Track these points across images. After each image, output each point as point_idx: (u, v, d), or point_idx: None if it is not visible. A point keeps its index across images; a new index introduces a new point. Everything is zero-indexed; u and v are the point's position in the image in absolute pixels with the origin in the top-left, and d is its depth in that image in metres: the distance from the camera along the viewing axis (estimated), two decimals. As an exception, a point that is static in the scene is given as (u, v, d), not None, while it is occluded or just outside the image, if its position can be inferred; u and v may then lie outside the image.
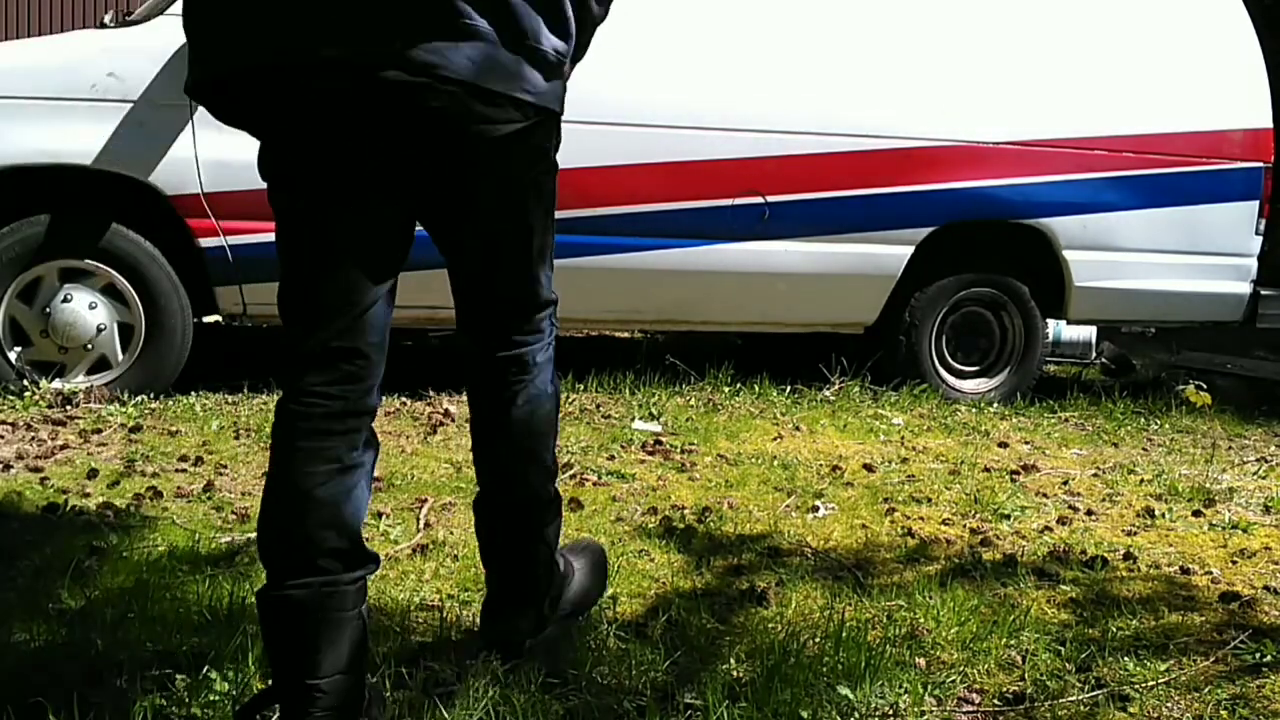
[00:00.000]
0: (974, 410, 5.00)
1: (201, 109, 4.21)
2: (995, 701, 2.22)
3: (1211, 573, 2.93)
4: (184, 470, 3.47)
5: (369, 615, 1.77)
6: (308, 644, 1.63)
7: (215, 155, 4.25)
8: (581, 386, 4.80)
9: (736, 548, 2.96)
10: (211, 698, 1.99)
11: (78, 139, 4.14)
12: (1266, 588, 2.83)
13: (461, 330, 1.95)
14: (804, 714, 2.06)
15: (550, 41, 1.66)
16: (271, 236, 1.72)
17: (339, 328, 1.66)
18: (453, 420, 4.24)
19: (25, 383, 4.22)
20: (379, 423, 4.15)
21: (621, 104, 4.62)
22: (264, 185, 1.71)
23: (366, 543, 1.76)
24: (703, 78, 4.61)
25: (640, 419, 4.38)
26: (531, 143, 1.74)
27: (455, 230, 1.83)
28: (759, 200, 4.82)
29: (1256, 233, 5.50)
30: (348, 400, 1.67)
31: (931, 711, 2.15)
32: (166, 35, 4.21)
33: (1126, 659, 2.39)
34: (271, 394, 4.49)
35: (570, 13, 1.70)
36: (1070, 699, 2.22)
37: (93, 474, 3.36)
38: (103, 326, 4.30)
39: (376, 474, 3.36)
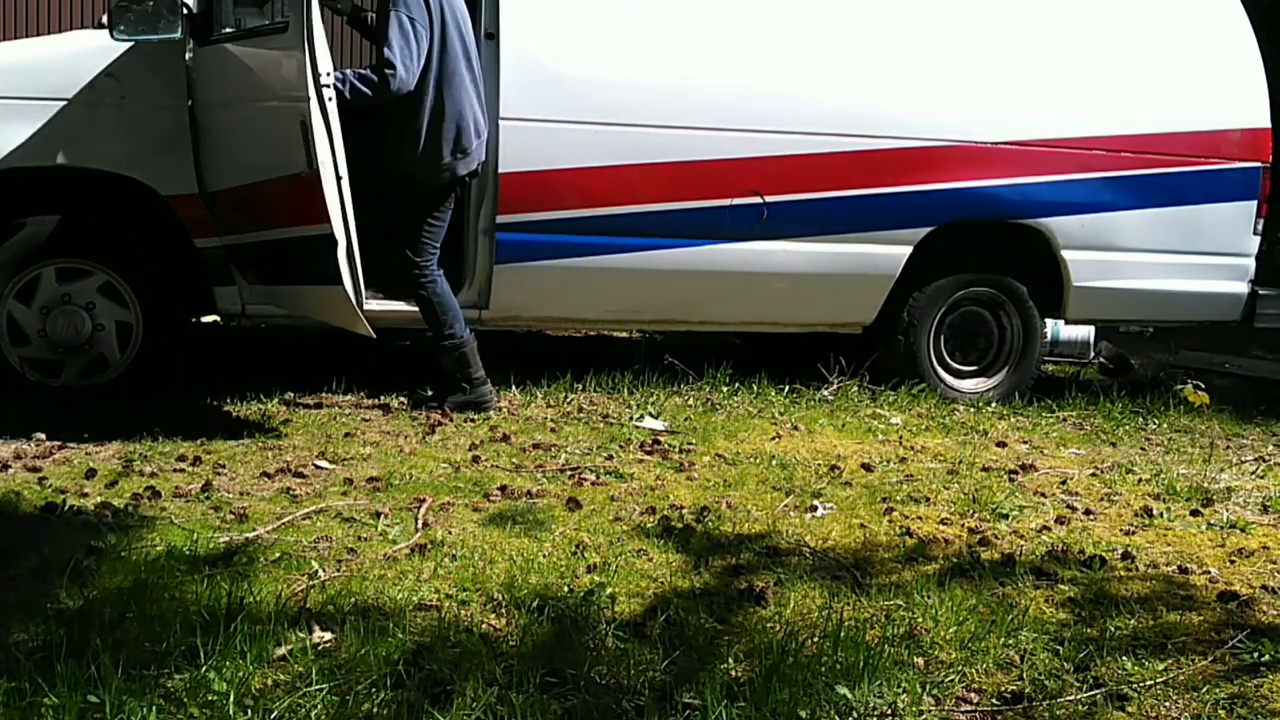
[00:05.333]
0: (972, 410, 5.00)
1: (198, 106, 4.24)
2: (994, 701, 2.22)
3: (1209, 572, 2.93)
4: (182, 470, 3.47)
5: None
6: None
7: (212, 155, 4.25)
8: (580, 386, 4.79)
9: (735, 547, 2.96)
10: (210, 698, 1.99)
11: (76, 139, 4.13)
12: (1265, 587, 2.83)
13: None
14: (802, 713, 2.06)
15: None
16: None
17: None
18: (450, 420, 4.23)
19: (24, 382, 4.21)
20: (377, 423, 4.17)
21: (621, 105, 4.63)
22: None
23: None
24: (702, 78, 4.61)
25: (648, 415, 4.39)
26: None
27: None
28: (758, 200, 4.82)
29: (1254, 232, 5.49)
30: None
31: (930, 711, 2.15)
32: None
33: (1125, 658, 2.39)
34: (270, 394, 4.48)
35: None
36: (1068, 698, 2.23)
37: (91, 474, 3.35)
38: (101, 326, 4.29)
39: (375, 474, 3.40)
